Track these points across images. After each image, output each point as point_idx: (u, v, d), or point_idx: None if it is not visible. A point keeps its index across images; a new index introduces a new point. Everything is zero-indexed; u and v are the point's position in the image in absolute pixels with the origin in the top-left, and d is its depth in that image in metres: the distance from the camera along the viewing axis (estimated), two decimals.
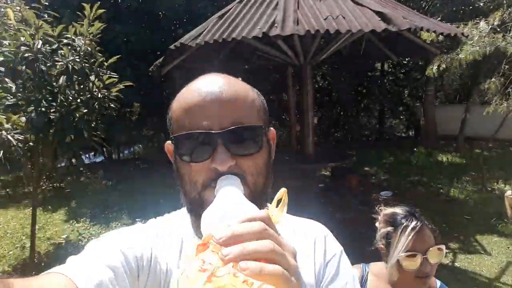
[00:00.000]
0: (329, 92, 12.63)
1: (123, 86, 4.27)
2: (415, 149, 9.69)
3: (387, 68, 12.77)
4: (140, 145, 12.61)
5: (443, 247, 1.24)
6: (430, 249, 1.20)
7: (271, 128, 0.72)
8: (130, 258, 0.62)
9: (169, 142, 0.71)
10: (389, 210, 1.34)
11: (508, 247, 4.46)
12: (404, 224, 1.24)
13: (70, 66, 3.85)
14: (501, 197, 5.60)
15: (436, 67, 5.05)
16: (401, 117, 13.10)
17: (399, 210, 1.32)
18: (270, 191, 0.69)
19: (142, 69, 7.56)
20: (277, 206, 0.55)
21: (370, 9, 4.20)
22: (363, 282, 1.34)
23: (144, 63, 7.55)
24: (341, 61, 9.37)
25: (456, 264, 4.16)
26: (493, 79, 5.21)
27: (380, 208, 1.40)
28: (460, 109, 10.43)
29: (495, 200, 5.86)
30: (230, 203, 0.53)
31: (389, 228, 1.28)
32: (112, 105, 4.24)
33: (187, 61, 5.43)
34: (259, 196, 0.66)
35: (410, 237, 1.21)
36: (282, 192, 0.57)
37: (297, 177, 6.22)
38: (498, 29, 4.79)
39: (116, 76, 4.27)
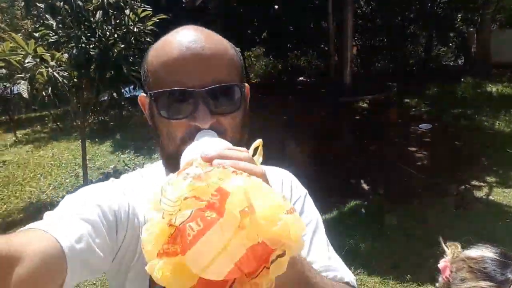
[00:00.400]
0: (373, 18, 11.78)
1: (157, 19, 4.26)
2: (462, 79, 9.09)
3: None
4: None
5: None
6: None
7: (246, 84, 0.72)
8: (107, 212, 0.63)
9: (143, 94, 0.72)
10: (473, 253, 0.96)
11: None
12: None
13: (106, 0, 3.89)
14: None
15: None
16: (451, 44, 12.08)
17: (489, 253, 0.94)
18: (245, 144, 0.69)
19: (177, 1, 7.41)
20: (253, 156, 0.56)
21: None
22: None
23: None
24: None
25: (491, 197, 4.13)
26: None
27: (450, 247, 1.04)
28: None
29: None
30: (210, 140, 0.57)
31: (485, 284, 0.89)
32: (148, 39, 4.28)
33: None
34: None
35: None
36: (258, 142, 0.58)
37: (334, 109, 6.17)
38: None
39: (151, 9, 4.26)
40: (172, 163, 0.67)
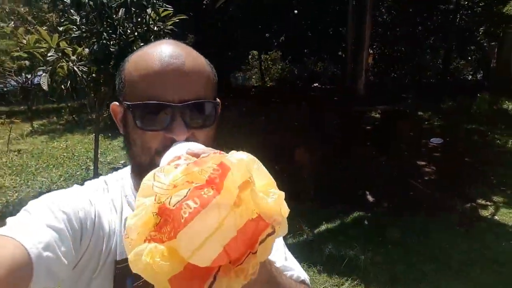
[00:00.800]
0: (393, 27, 11.70)
1: (177, 19, 4.36)
2: (478, 94, 8.98)
3: (463, 0, 11.38)
4: None
5: None
6: None
7: (218, 100, 0.74)
8: (73, 219, 0.63)
9: (116, 103, 0.73)
10: None
11: None
12: None
13: None
14: None
15: None
16: (470, 57, 11.92)
17: None
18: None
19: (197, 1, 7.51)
20: None
21: None
22: None
23: None
24: None
25: (496, 217, 4.11)
26: None
27: None
28: None
29: None
30: (190, 143, 0.60)
31: None
32: (167, 38, 4.39)
33: None
34: None
35: None
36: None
37: (345, 118, 6.20)
38: None
39: (171, 9, 4.36)
40: (142, 172, 0.65)
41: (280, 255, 0.80)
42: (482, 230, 3.85)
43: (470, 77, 12.38)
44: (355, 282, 3.09)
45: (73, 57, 3.90)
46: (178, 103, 0.64)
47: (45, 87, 3.73)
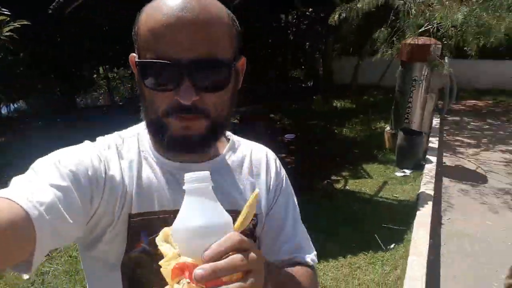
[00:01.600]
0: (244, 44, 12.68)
1: (18, 24, 3.69)
2: (314, 97, 10.58)
3: (291, 19, 13.23)
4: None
5: None
6: None
7: (242, 56, 0.69)
8: (81, 177, 0.61)
9: (133, 54, 0.68)
10: None
11: (385, 171, 5.42)
12: None
13: None
14: (382, 133, 6.64)
15: (338, 15, 5.52)
16: (302, 67, 13.93)
17: None
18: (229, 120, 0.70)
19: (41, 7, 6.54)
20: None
21: None
22: None
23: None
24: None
25: (347, 187, 4.92)
26: (382, 29, 5.92)
27: None
28: (353, 61, 11.50)
29: (377, 136, 6.89)
30: (201, 220, 0.49)
31: None
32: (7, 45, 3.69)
33: None
34: (219, 127, 0.67)
35: None
36: (255, 193, 0.56)
37: None
38: None
39: (8, 13, 3.69)
40: (153, 129, 0.68)
41: (296, 234, 0.83)
42: (340, 199, 4.56)
43: (303, 84, 14.34)
44: None
45: None
46: (187, 62, 0.59)
47: None
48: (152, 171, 0.71)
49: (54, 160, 0.62)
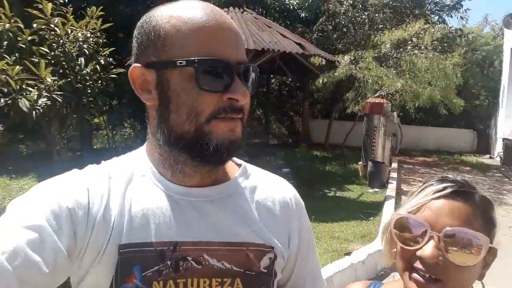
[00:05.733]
0: None
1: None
2: (296, 148, 12.98)
3: (274, 86, 16.12)
4: None
5: (481, 239, 0.65)
6: (448, 228, 0.65)
7: None
8: (60, 212, 0.56)
9: (137, 65, 0.62)
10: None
11: (361, 189, 7.61)
12: (430, 183, 0.73)
13: None
14: (355, 169, 8.97)
15: (321, 80, 8.08)
16: (284, 126, 16.57)
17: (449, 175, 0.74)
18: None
19: None
20: None
21: (292, 40, 6.95)
22: None
23: None
24: None
25: (337, 194, 7.02)
26: (350, 92, 8.54)
27: None
28: (325, 123, 14.24)
29: (351, 171, 9.22)
30: None
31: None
32: None
33: None
34: (243, 134, 0.65)
35: (426, 198, 0.70)
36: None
37: None
38: (353, 62, 8.14)
39: None
40: (184, 144, 0.61)
41: (316, 277, 0.82)
42: (332, 199, 6.60)
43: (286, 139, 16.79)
44: None
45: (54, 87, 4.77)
46: (236, 62, 0.59)
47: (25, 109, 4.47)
48: (151, 198, 0.64)
49: (31, 198, 0.58)
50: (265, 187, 0.75)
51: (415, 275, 0.69)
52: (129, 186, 0.65)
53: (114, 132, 11.99)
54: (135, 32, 0.64)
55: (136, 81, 0.63)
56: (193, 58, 0.57)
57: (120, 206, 0.62)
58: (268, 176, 0.80)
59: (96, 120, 9.83)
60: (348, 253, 3.78)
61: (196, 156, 0.62)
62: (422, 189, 0.75)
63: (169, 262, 0.60)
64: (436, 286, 0.67)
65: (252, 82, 0.64)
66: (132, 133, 13.16)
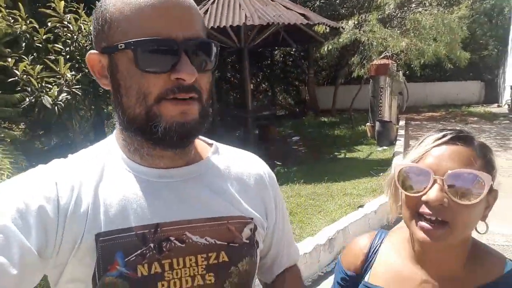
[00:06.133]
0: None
1: None
2: (303, 117, 13.22)
3: (278, 58, 16.15)
4: None
5: (483, 177, 0.68)
6: (450, 171, 0.69)
7: None
8: (25, 209, 0.55)
9: (94, 52, 0.62)
10: None
11: (370, 148, 7.91)
12: (430, 134, 0.78)
13: None
14: (363, 131, 9.21)
15: (326, 47, 8.21)
16: (291, 96, 16.74)
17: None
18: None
19: None
20: None
21: (296, 11, 7.07)
22: (371, 253, 0.88)
23: None
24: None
25: (347, 156, 7.34)
26: (355, 56, 8.65)
27: None
28: (331, 90, 14.35)
29: (360, 133, 9.49)
30: None
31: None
32: None
33: None
34: (207, 115, 0.63)
35: (427, 146, 0.74)
36: None
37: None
38: (357, 26, 8.21)
39: None
40: (136, 127, 0.60)
41: (289, 243, 0.86)
42: (341, 161, 6.94)
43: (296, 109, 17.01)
44: None
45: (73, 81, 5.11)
46: (182, 39, 0.56)
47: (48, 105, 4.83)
48: (126, 183, 0.64)
49: None
50: (237, 163, 0.76)
51: (421, 222, 0.70)
52: (101, 175, 0.64)
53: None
54: (92, 18, 0.62)
55: (94, 68, 0.64)
56: (130, 40, 0.56)
57: (94, 196, 0.61)
58: (240, 152, 0.81)
59: (110, 107, 10.17)
60: (361, 206, 4.13)
61: (148, 139, 0.62)
62: (424, 139, 0.78)
63: (152, 245, 0.60)
64: (443, 230, 0.68)
65: (206, 58, 0.61)
66: None
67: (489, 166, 0.73)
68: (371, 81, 8.61)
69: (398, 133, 8.53)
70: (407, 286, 0.79)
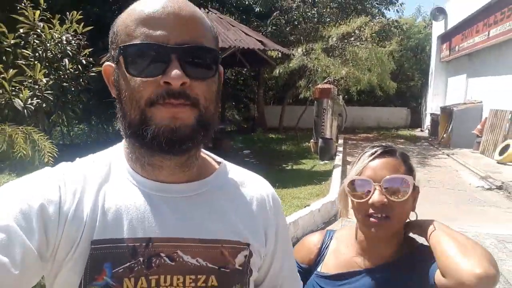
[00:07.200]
0: None
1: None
2: (252, 133, 14.12)
3: (230, 76, 16.99)
4: None
5: (407, 179, 0.93)
6: (385, 178, 0.92)
7: (220, 66, 0.66)
8: (28, 210, 0.55)
9: (108, 63, 0.65)
10: None
11: (313, 161, 8.90)
12: (365, 151, 1.01)
13: None
14: (307, 147, 10.27)
15: (278, 70, 9.18)
16: (241, 113, 17.59)
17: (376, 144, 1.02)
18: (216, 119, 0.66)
19: None
20: None
21: (253, 37, 7.95)
22: (323, 248, 1.07)
23: None
24: None
25: (293, 168, 8.22)
26: (302, 80, 9.74)
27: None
28: (277, 109, 15.48)
29: (304, 149, 10.54)
30: None
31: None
32: None
33: None
34: (207, 123, 0.62)
35: (364, 162, 0.97)
36: None
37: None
38: (304, 54, 9.33)
39: None
40: (131, 132, 0.61)
41: (294, 278, 0.84)
42: (289, 172, 7.78)
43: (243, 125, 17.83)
44: None
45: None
46: (174, 44, 0.57)
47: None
48: (126, 193, 0.64)
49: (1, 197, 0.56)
50: (243, 184, 0.75)
51: (372, 219, 0.92)
52: (104, 182, 0.64)
53: (69, 128, 12.23)
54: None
55: (108, 78, 0.65)
56: (120, 45, 0.58)
57: (94, 202, 0.61)
58: (247, 174, 0.79)
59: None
60: (308, 205, 4.93)
61: (141, 145, 0.62)
62: (361, 157, 1.00)
63: (141, 259, 0.60)
64: (386, 221, 0.91)
65: (203, 65, 0.60)
66: (86, 129, 13.40)
67: (410, 169, 0.98)
68: (315, 102, 9.71)
69: (337, 150, 9.67)
70: (354, 268, 1.00)
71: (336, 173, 7.00)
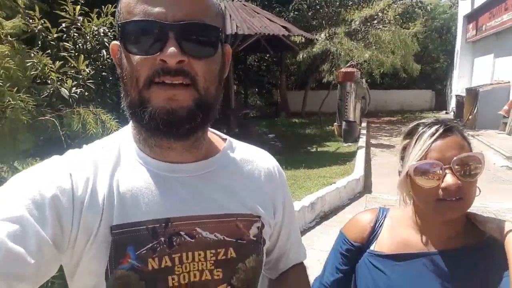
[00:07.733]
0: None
1: None
2: (276, 118, 14.38)
3: (252, 62, 17.21)
4: None
5: (478, 156, 0.87)
6: (455, 158, 0.85)
7: (227, 45, 0.65)
8: (40, 200, 0.55)
9: (115, 42, 0.64)
10: (413, 123, 0.98)
11: (337, 144, 9.12)
12: (422, 130, 0.91)
13: None
14: (330, 131, 10.46)
15: (301, 56, 9.36)
16: (263, 99, 17.85)
17: (424, 120, 0.96)
18: (218, 106, 0.65)
19: None
20: None
21: (278, 23, 8.16)
22: (377, 226, 1.02)
23: None
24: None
25: (318, 150, 8.48)
26: (325, 64, 9.89)
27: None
28: (299, 94, 15.63)
29: (328, 132, 10.75)
30: None
31: (405, 142, 0.96)
32: None
33: None
34: (207, 106, 0.61)
35: (426, 143, 0.88)
36: None
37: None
38: (327, 38, 9.46)
39: None
40: (131, 112, 0.60)
41: (297, 243, 0.88)
42: (314, 154, 8.06)
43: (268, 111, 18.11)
44: None
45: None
46: (172, 21, 0.56)
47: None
48: (137, 176, 0.65)
49: (10, 189, 0.56)
50: (250, 159, 0.77)
51: (448, 202, 0.85)
52: (116, 167, 0.64)
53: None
54: None
55: (114, 57, 0.64)
56: (118, 23, 0.58)
57: (109, 187, 0.61)
58: (252, 149, 0.81)
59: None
60: (334, 182, 5.23)
61: (142, 127, 0.62)
62: (418, 138, 0.90)
63: (162, 239, 0.61)
64: (459, 203, 0.85)
65: (203, 43, 0.59)
66: (113, 117, 13.89)
67: (469, 143, 0.91)
68: (338, 86, 9.86)
69: (361, 132, 9.83)
70: (411, 250, 0.94)
71: (360, 154, 7.22)
